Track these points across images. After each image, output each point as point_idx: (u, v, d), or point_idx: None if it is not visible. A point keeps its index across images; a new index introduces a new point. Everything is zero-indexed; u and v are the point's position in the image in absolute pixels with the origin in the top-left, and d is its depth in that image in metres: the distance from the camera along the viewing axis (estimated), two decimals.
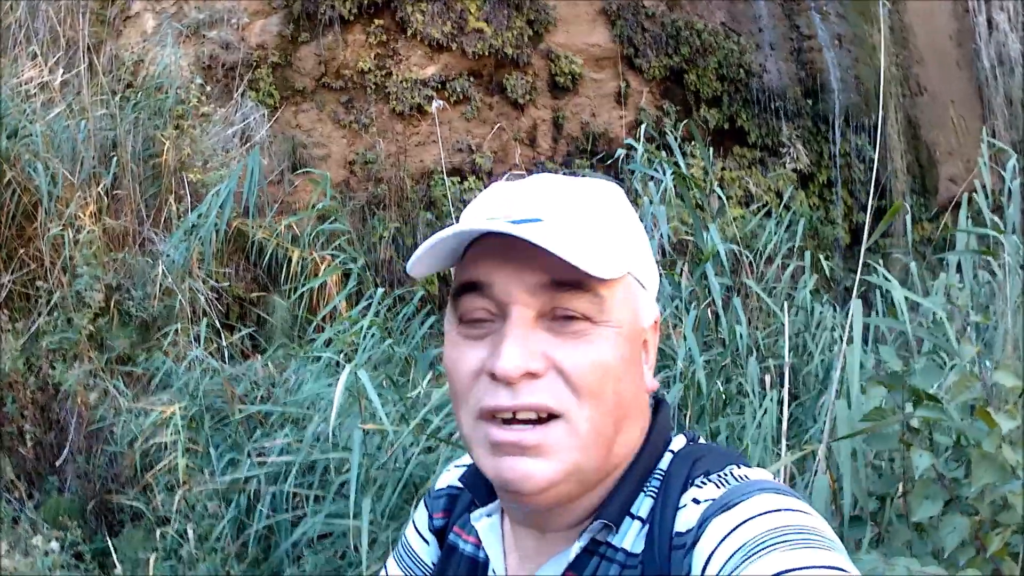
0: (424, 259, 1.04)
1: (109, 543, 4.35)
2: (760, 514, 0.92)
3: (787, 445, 2.55)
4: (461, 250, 1.05)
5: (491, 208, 1.07)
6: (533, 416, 0.98)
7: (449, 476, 1.32)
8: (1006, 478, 2.02)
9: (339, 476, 3.95)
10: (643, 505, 1.05)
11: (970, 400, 2.24)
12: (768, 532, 0.89)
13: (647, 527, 1.03)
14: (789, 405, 3.86)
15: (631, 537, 1.04)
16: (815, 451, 2.69)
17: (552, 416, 0.98)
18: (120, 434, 4.72)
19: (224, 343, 5.27)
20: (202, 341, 4.98)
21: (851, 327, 2.64)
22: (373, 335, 4.58)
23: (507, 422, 0.98)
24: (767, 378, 3.69)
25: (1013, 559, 2.12)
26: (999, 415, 2.05)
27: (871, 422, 2.25)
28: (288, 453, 4.11)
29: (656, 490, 1.05)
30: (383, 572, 1.34)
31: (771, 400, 3.49)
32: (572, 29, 8.41)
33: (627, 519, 1.05)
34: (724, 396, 3.81)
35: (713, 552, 0.91)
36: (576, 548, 1.04)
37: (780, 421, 3.56)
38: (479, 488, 1.18)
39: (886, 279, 2.84)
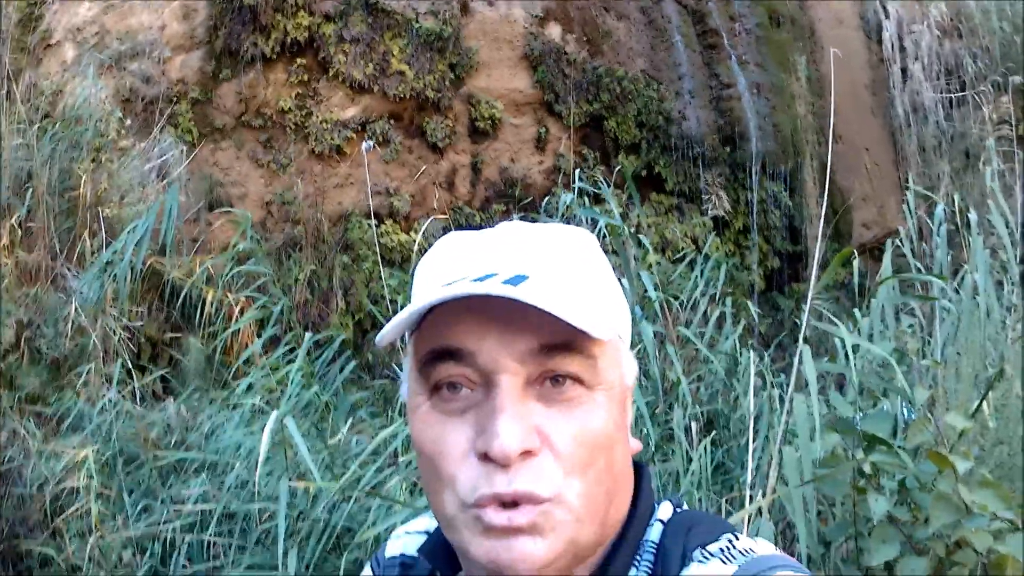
0: (396, 327, 0.93)
1: None
2: None
3: (749, 495, 2.52)
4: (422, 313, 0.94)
5: (456, 264, 0.98)
6: None
7: (400, 544, 1.21)
8: (963, 517, 2.02)
9: (261, 526, 3.82)
10: None
11: (922, 443, 2.24)
12: None
13: None
14: (715, 450, 3.86)
15: None
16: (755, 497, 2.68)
17: None
18: (29, 476, 4.51)
19: (136, 384, 5.09)
20: (115, 383, 4.80)
21: (796, 373, 2.64)
22: (295, 382, 4.46)
23: (502, 505, 0.90)
24: (694, 424, 3.69)
25: None
26: (954, 456, 2.05)
27: (825, 469, 2.24)
28: (206, 501, 3.96)
29: (650, 564, 0.97)
30: None
31: (704, 448, 3.47)
32: (494, 73, 8.45)
33: None
34: (654, 443, 3.79)
35: None
36: None
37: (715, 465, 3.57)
38: (443, 561, 1.08)
39: (832, 322, 2.86)
